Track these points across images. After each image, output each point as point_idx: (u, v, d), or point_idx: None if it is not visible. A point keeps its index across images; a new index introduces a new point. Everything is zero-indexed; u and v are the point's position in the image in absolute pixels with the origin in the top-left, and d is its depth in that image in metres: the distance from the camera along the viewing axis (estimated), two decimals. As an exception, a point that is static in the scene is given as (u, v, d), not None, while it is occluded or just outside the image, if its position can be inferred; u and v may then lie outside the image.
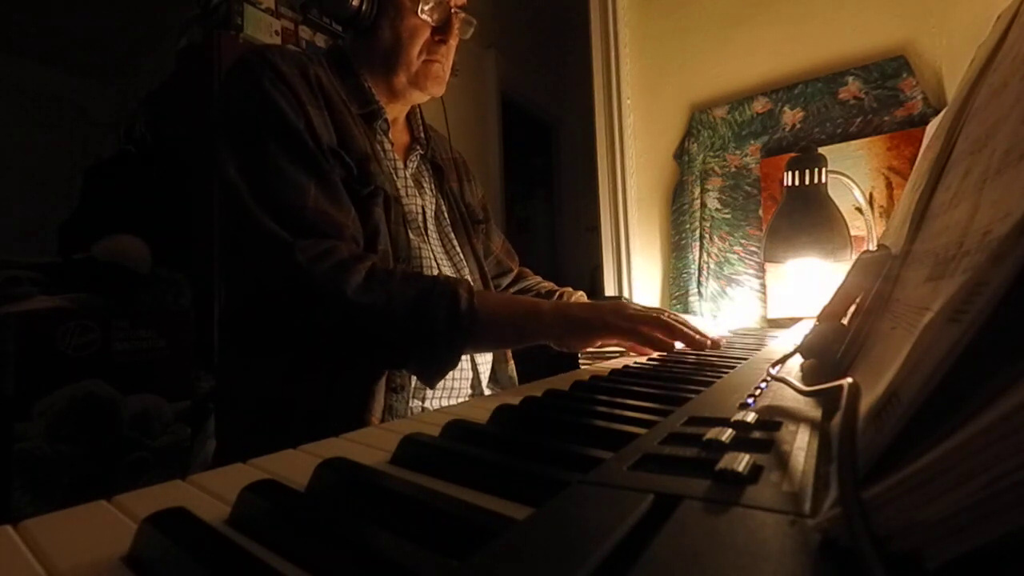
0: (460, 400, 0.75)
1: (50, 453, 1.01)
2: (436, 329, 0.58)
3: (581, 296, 0.97)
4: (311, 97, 0.68)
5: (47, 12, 2.12)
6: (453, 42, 0.79)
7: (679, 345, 0.65)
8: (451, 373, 0.72)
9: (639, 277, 1.58)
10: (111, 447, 1.09)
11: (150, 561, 0.18)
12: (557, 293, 0.99)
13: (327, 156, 0.66)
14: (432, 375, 0.61)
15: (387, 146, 0.79)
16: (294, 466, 0.27)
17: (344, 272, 0.59)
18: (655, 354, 0.67)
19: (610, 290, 1.62)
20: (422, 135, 0.87)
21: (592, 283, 2.41)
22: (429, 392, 0.72)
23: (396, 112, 0.82)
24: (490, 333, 0.61)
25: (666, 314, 0.65)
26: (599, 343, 0.65)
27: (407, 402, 0.67)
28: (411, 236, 0.74)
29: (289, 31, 1.69)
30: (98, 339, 1.08)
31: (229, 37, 1.51)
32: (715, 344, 0.67)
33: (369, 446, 0.31)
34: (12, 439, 0.98)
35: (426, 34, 0.76)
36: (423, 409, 0.70)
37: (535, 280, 1.04)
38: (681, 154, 1.50)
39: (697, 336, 0.65)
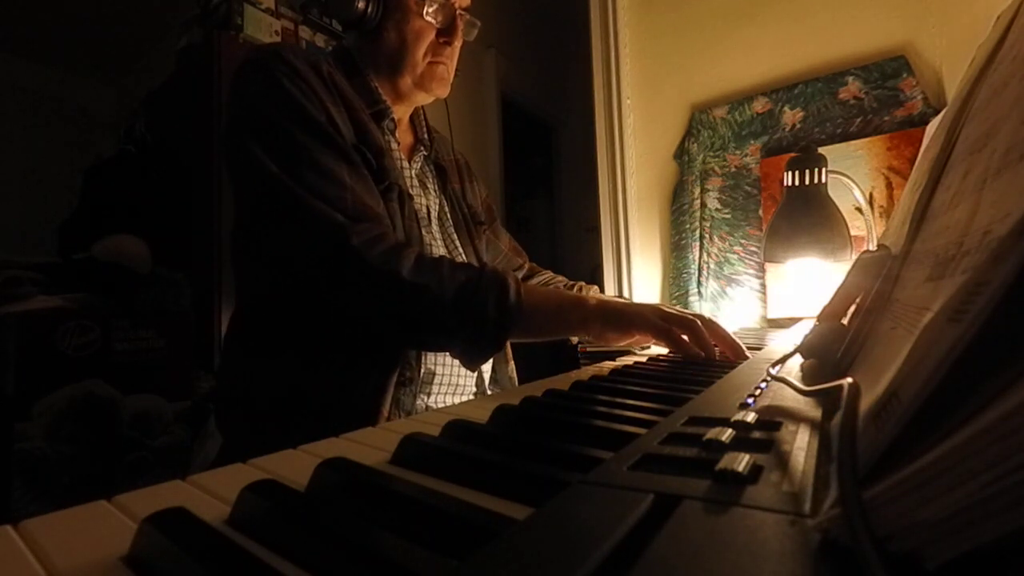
0: (465, 397, 0.75)
1: (50, 453, 1.01)
2: (486, 315, 0.59)
3: (595, 290, 0.99)
4: (327, 93, 0.68)
5: (47, 12, 2.12)
6: (457, 44, 0.79)
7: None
8: (456, 370, 0.72)
9: (639, 277, 1.58)
10: (111, 447, 1.09)
11: (150, 561, 0.18)
12: (576, 287, 1.00)
13: (351, 149, 0.67)
14: (475, 358, 0.62)
15: (394, 145, 0.79)
16: (294, 466, 0.27)
17: (397, 255, 0.61)
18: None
19: (610, 290, 1.62)
20: (426, 136, 0.87)
21: (592, 283, 2.40)
22: (434, 387, 0.72)
23: (401, 113, 0.83)
24: (535, 322, 0.62)
25: (701, 321, 0.63)
26: (635, 336, 0.65)
27: (414, 397, 0.68)
28: (422, 232, 0.75)
29: (289, 31, 1.69)
30: (98, 339, 1.08)
31: (229, 37, 1.51)
32: (738, 355, 0.62)
33: (369, 446, 0.31)
34: (12, 439, 0.98)
35: (431, 36, 0.76)
36: (427, 406, 0.71)
37: (549, 275, 1.05)
38: (681, 154, 1.50)
39: (717, 349, 0.62)
